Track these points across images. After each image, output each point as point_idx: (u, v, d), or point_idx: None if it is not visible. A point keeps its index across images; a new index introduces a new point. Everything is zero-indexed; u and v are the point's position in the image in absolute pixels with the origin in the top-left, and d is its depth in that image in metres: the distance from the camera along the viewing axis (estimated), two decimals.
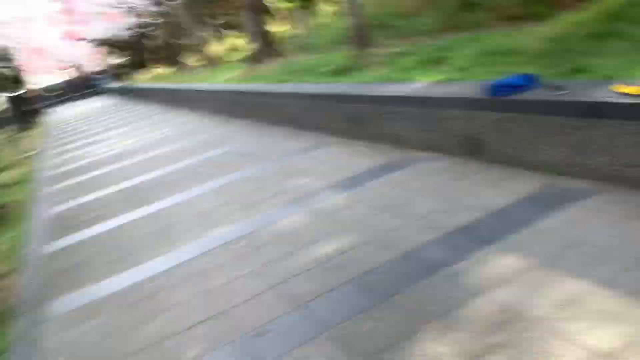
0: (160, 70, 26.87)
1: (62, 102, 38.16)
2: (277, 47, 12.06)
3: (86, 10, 22.18)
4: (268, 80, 9.94)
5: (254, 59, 11.74)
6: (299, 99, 7.58)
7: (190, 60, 22.23)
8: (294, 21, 29.72)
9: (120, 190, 7.17)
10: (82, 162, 10.46)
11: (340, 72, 7.76)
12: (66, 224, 6.27)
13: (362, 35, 8.03)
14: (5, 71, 23.78)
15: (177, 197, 6.02)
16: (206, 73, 16.82)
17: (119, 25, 29.11)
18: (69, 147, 13.64)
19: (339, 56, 9.19)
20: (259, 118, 9.38)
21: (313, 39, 15.31)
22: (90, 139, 13.85)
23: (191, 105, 13.93)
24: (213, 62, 17.46)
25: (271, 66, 11.25)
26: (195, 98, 13.35)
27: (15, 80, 24.97)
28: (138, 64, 33.13)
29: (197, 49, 22.50)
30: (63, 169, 10.37)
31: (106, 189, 7.48)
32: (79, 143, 13.83)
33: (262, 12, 11.68)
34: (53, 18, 26.02)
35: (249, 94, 9.57)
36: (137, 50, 33.56)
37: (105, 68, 41.39)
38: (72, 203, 7.27)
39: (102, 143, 12.50)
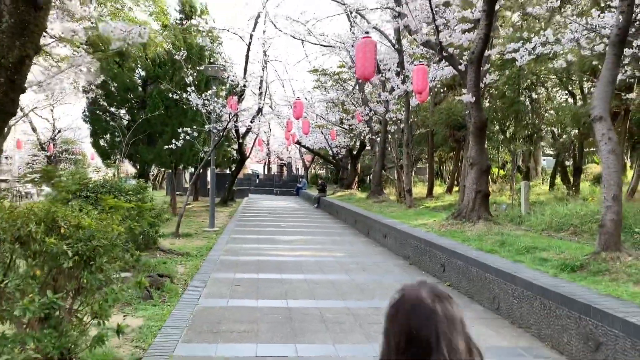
0: (354, 191, 27.31)
1: (263, 191, 41.10)
2: (489, 209, 10.80)
3: (310, 121, 23.71)
4: (472, 243, 8.63)
5: (461, 214, 10.62)
6: (513, 284, 6.12)
7: (386, 191, 22.07)
8: (506, 189, 28.30)
9: (271, 309, 6.30)
10: (251, 259, 10.07)
11: (573, 269, 6.16)
12: (203, 327, 5.51)
13: (611, 233, 6.41)
14: (234, 152, 26.25)
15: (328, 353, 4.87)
16: (397, 210, 16.14)
17: (332, 141, 31.01)
18: (247, 236, 13.70)
19: (571, 247, 7.58)
20: (450, 281, 8.04)
21: (530, 215, 13.80)
22: (269, 236, 13.76)
23: (374, 235, 13.16)
24: (407, 201, 16.78)
25: (478, 228, 9.96)
26: (379, 230, 12.56)
27: (235, 162, 27.45)
28: (337, 179, 34.54)
29: (397, 183, 22.37)
30: (230, 258, 10.08)
31: (259, 301, 6.70)
32: (257, 236, 13.82)
33: (485, 170, 10.65)
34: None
35: (445, 250, 8.34)
36: (338, 167, 35.29)
37: (306, 173, 44.31)
38: (220, 302, 6.59)
39: (278, 246, 12.20)
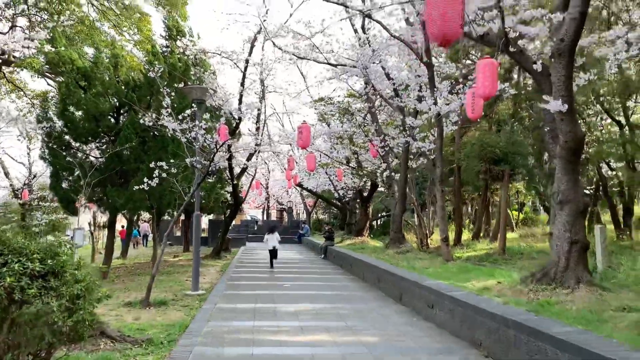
0: (365, 238, 23.87)
1: (262, 238, 37.57)
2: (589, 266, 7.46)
3: (315, 160, 20.44)
4: (600, 330, 5.24)
5: (548, 275, 7.26)
6: None
7: (409, 238, 18.70)
8: (533, 235, 24.82)
9: None
10: (240, 352, 6.63)
11: None
12: None
13: None
14: (228, 196, 22.83)
15: None
16: (431, 264, 12.74)
17: (337, 183, 27.78)
18: (239, 305, 10.27)
19: None
20: None
21: (613, 270, 10.42)
22: (268, 304, 10.33)
23: (412, 303, 9.72)
24: (445, 253, 13.39)
25: (581, 297, 6.59)
26: (421, 296, 9.15)
27: (229, 207, 24.03)
28: (343, 225, 31.15)
29: (417, 229, 19.01)
30: (210, 351, 6.63)
31: None
32: (252, 304, 10.39)
33: (583, 211, 7.36)
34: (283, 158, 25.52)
35: (570, 348, 4.93)
36: (344, 211, 31.95)
37: (308, 218, 40.88)
38: None
39: (280, 323, 8.77)
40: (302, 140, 11.13)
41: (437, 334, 7.65)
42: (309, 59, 15.21)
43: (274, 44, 15.42)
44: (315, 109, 23.40)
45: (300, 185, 30.79)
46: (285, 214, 50.27)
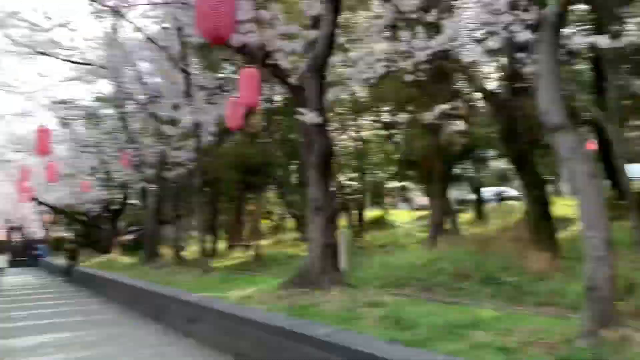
0: (115, 256, 22.09)
1: None
2: (342, 267, 8.05)
3: (57, 170, 18.02)
4: (352, 326, 5.66)
5: (305, 279, 7.60)
6: None
7: (165, 252, 17.90)
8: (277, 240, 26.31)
9: None
10: None
11: None
12: None
13: (607, 299, 4.21)
14: None
15: None
16: (192, 278, 12.36)
17: (84, 195, 25.13)
18: None
19: (509, 320, 5.22)
20: None
21: (354, 269, 11.52)
22: None
23: (172, 321, 9.20)
24: (204, 265, 13.13)
25: (335, 297, 7.06)
26: (180, 312, 8.74)
27: None
28: (89, 242, 28.31)
29: (176, 242, 18.36)
30: None
31: None
32: None
33: (333, 216, 7.92)
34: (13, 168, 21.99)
35: (333, 349, 5.18)
36: (89, 227, 29.18)
37: (48, 237, 36.09)
38: None
39: None
40: (42, 146, 9.63)
41: (199, 351, 7.34)
42: (48, 55, 13.37)
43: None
44: (56, 112, 20.73)
45: (36, 199, 26.96)
46: (16, 233, 43.50)
